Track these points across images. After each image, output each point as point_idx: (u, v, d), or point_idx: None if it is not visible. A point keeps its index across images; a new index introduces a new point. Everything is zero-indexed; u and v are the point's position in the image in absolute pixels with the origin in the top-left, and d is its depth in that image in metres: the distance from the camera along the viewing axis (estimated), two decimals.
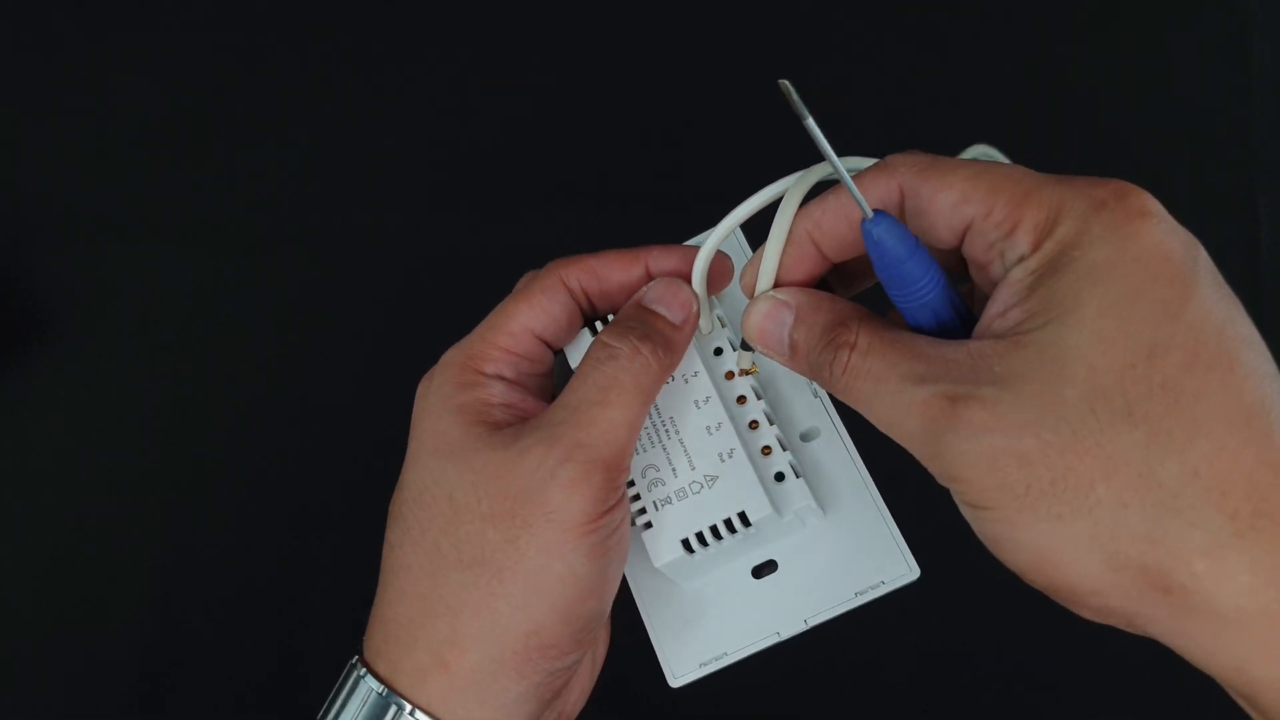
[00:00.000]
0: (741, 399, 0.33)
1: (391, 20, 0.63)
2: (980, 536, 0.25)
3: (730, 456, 0.32)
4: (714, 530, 0.32)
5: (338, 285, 0.58)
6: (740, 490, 0.32)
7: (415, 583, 0.31)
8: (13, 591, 0.53)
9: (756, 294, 0.30)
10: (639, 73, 0.61)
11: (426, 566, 0.30)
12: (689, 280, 0.32)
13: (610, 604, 0.31)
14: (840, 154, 0.28)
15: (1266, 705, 0.22)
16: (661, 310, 0.32)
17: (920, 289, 0.26)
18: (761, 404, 0.33)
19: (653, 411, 0.33)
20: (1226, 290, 0.24)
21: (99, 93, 0.63)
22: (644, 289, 0.33)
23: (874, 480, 0.33)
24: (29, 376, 0.57)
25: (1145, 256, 0.23)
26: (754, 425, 0.33)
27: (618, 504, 0.30)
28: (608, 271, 0.33)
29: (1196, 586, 0.21)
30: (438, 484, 0.31)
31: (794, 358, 0.29)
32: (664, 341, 0.31)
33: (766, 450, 0.33)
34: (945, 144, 0.58)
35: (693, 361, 0.33)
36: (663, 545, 0.32)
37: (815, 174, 0.31)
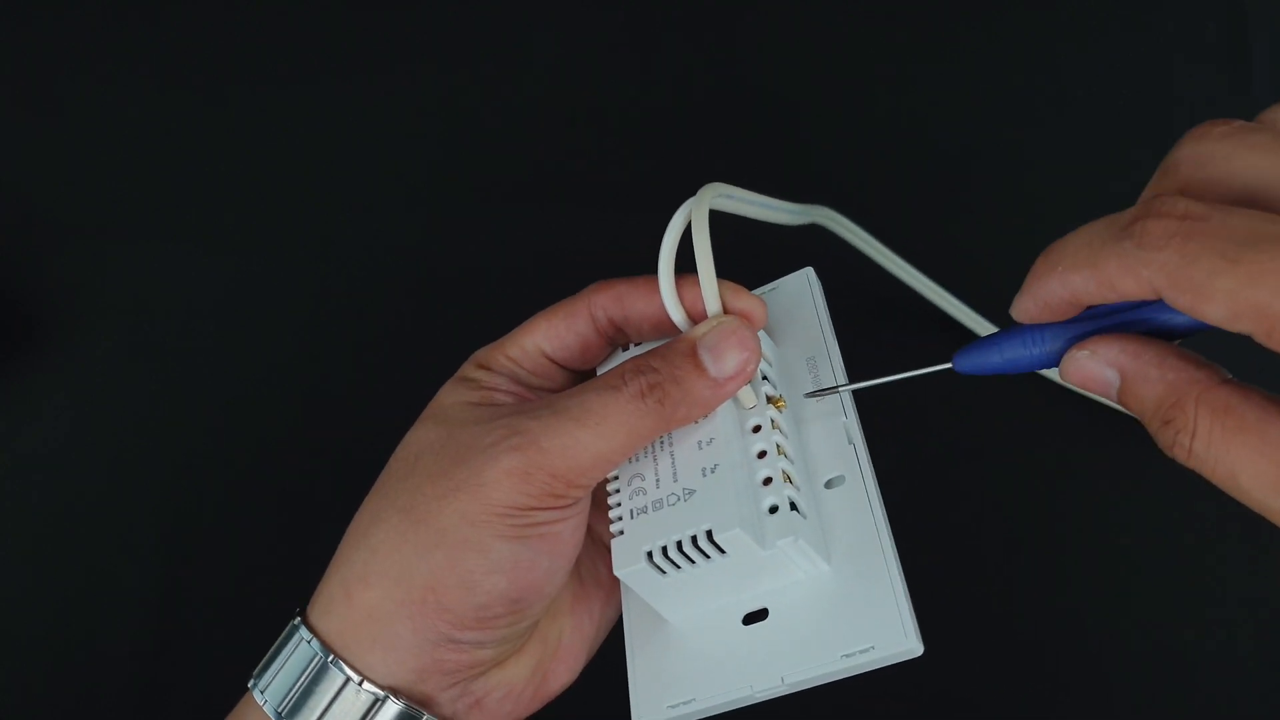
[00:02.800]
0: (757, 427, 0.31)
1: (391, 20, 0.63)
2: None
3: (713, 472, 0.30)
4: (680, 547, 0.29)
5: (338, 285, 0.58)
6: (712, 507, 0.29)
7: (358, 523, 0.32)
8: (12, 591, 0.54)
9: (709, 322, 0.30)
10: (641, 74, 0.62)
11: (371, 509, 0.32)
12: (755, 323, 0.31)
13: (533, 600, 0.30)
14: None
15: None
16: (706, 359, 0.30)
17: (1033, 359, 0.27)
18: (776, 435, 0.31)
19: None
20: None
21: (99, 93, 0.63)
22: (703, 326, 0.31)
23: (896, 545, 0.30)
24: (29, 376, 0.57)
25: None
26: (762, 455, 0.31)
27: (559, 509, 0.30)
28: (634, 300, 0.32)
29: None
30: (416, 443, 0.32)
31: (1127, 409, 0.26)
32: (682, 396, 0.30)
33: (767, 480, 0.30)
34: (945, 143, 0.58)
35: None
36: (626, 554, 0.30)
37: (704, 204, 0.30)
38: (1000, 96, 0.59)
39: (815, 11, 0.61)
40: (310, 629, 0.31)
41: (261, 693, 0.31)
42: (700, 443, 0.31)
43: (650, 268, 0.32)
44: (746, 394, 0.32)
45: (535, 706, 0.33)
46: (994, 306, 0.51)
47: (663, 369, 0.30)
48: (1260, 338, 0.21)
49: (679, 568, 0.30)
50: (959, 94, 0.59)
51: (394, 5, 0.64)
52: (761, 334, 0.32)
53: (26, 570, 0.54)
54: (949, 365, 0.28)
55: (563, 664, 0.34)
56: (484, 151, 0.61)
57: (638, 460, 0.32)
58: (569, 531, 0.31)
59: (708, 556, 0.29)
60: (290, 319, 0.58)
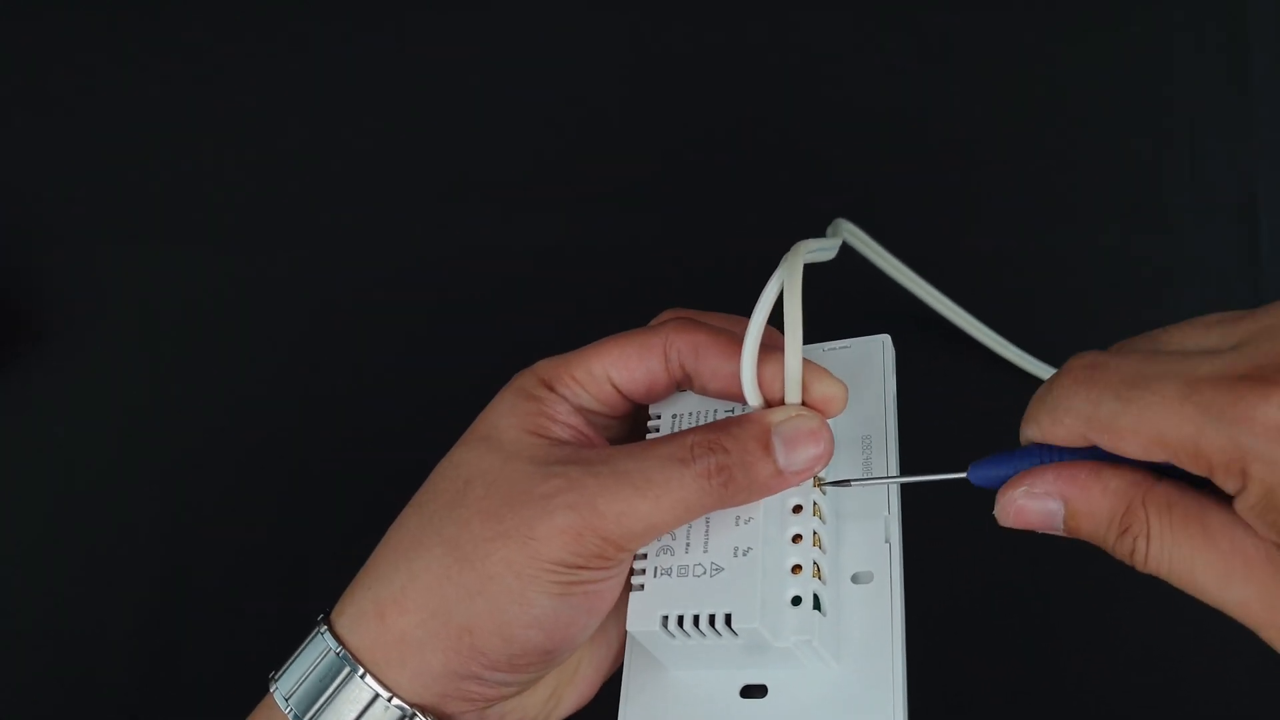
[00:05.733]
0: (798, 508, 0.31)
1: (391, 19, 0.63)
2: None
3: (744, 555, 0.30)
4: (695, 621, 0.30)
5: (337, 284, 0.58)
6: (737, 592, 0.29)
7: (398, 541, 0.32)
8: (12, 590, 0.53)
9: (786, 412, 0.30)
10: (647, 75, 0.62)
11: (414, 531, 0.31)
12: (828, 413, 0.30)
13: (565, 651, 0.31)
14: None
15: None
16: (779, 450, 0.30)
17: (1055, 457, 0.26)
18: (815, 521, 0.31)
19: None
20: None
21: (99, 92, 0.63)
22: (780, 413, 0.30)
23: (906, 650, 0.30)
24: (28, 376, 0.57)
25: None
26: (797, 539, 0.30)
27: (605, 569, 0.30)
28: (708, 356, 0.32)
29: None
30: (466, 465, 0.32)
31: (1078, 535, 0.27)
32: (747, 483, 0.30)
33: (797, 569, 0.30)
34: (945, 144, 0.58)
35: None
36: (642, 612, 0.31)
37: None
38: (999, 97, 0.59)
39: (815, 13, 0.61)
40: (338, 639, 0.31)
41: (285, 699, 0.31)
42: (738, 519, 0.31)
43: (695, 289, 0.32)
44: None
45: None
46: (993, 311, 0.51)
47: (734, 452, 0.30)
48: (1179, 465, 0.23)
49: (689, 637, 0.30)
50: (955, 94, 0.59)
51: (394, 5, 0.63)
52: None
53: (27, 569, 0.54)
54: (964, 475, 0.28)
55: (575, 690, 0.34)
56: (485, 152, 0.60)
57: None
58: (609, 591, 0.31)
59: (719, 634, 0.30)
60: (290, 319, 0.58)
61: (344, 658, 0.31)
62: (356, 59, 0.63)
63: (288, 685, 0.32)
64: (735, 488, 0.30)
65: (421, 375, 0.55)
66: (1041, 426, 0.26)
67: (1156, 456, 0.24)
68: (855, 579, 0.31)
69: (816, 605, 0.30)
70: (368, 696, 0.30)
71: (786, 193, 0.57)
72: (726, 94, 0.60)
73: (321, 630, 0.32)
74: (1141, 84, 0.58)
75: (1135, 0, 0.60)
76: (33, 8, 0.64)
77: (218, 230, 0.60)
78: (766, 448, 0.30)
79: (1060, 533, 0.27)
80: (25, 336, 0.58)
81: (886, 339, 0.34)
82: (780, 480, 0.30)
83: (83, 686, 0.51)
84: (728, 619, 0.29)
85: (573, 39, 0.62)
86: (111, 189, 0.61)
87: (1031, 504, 0.26)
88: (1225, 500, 0.24)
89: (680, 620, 0.30)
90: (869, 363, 0.34)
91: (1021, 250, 0.55)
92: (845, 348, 0.35)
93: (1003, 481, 0.27)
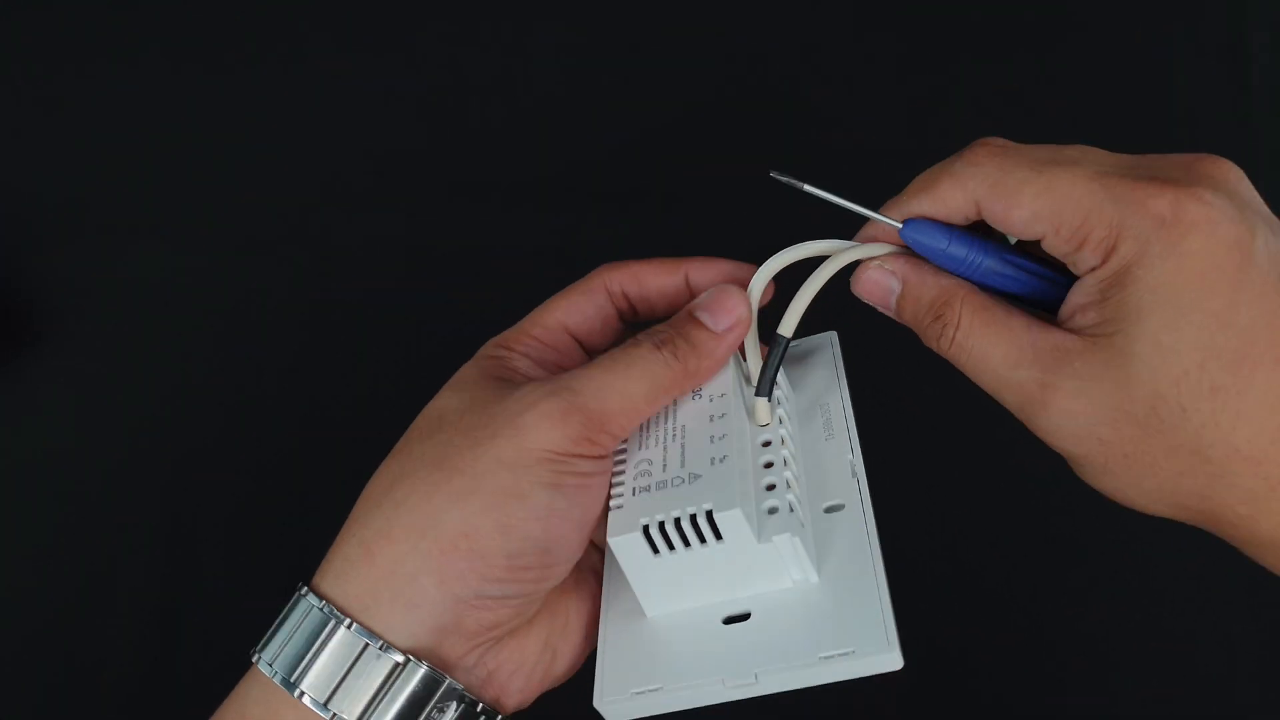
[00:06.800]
0: (767, 442, 0.32)
1: (391, 18, 0.63)
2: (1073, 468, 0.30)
3: (721, 462, 0.31)
4: (678, 524, 0.30)
5: (337, 284, 0.58)
6: (717, 489, 0.30)
7: (377, 485, 0.32)
8: (12, 590, 0.53)
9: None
10: (647, 75, 0.62)
11: (394, 470, 0.31)
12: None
13: (560, 552, 0.30)
14: (842, 186, 0.30)
15: None
16: (704, 317, 0.33)
17: (971, 265, 0.31)
18: (785, 450, 0.32)
19: (667, 419, 0.33)
20: (1275, 278, 0.27)
21: (98, 93, 0.63)
22: (700, 298, 0.34)
23: (888, 570, 0.30)
24: (29, 376, 0.57)
25: (1198, 271, 0.27)
26: (769, 465, 0.32)
27: (593, 458, 0.31)
28: (647, 276, 0.35)
29: (1241, 522, 0.28)
30: (437, 408, 0.33)
31: (900, 319, 0.32)
32: (692, 348, 0.32)
33: (771, 487, 0.31)
34: (945, 144, 0.58)
35: (724, 384, 0.33)
36: (622, 522, 0.30)
37: (861, 251, 0.33)
38: (998, 97, 0.59)
39: (816, 15, 0.61)
40: (322, 596, 0.30)
41: (269, 664, 0.30)
42: (713, 437, 0.31)
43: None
44: (762, 410, 0.33)
45: (543, 687, 0.33)
46: None
47: (670, 329, 0.33)
48: (1049, 239, 0.29)
49: (672, 548, 0.30)
50: (956, 94, 0.59)
51: (395, 7, 0.63)
52: (781, 378, 0.35)
53: (27, 569, 0.54)
54: (900, 225, 0.31)
55: (569, 643, 0.33)
56: (486, 151, 0.60)
57: (648, 447, 0.32)
58: (597, 487, 0.31)
59: (703, 541, 0.30)
60: (291, 319, 0.58)
61: (326, 610, 0.29)
62: (357, 60, 0.63)
63: (272, 652, 0.30)
64: (684, 354, 0.32)
65: (422, 375, 0.55)
66: (939, 189, 0.30)
67: (1035, 231, 0.29)
68: (829, 510, 0.32)
69: (794, 514, 0.30)
70: (359, 647, 0.29)
71: (786, 193, 0.57)
72: (726, 94, 0.60)
73: (303, 593, 0.30)
74: (1142, 84, 0.58)
75: (1135, 0, 0.60)
76: (33, 8, 0.64)
77: (218, 230, 0.60)
78: (695, 320, 0.33)
79: (890, 312, 0.32)
80: (26, 336, 0.58)
81: (834, 335, 0.38)
82: (719, 340, 0.33)
83: (83, 686, 0.51)
84: (709, 516, 0.29)
85: (575, 38, 0.62)
86: (112, 189, 0.61)
87: (879, 277, 0.32)
88: (1020, 312, 0.30)
89: (662, 526, 0.30)
90: (822, 352, 0.38)
91: None
92: (798, 345, 0.38)
93: (927, 247, 0.31)
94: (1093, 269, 0.28)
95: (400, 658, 0.29)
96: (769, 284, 0.33)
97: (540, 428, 0.30)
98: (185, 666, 0.51)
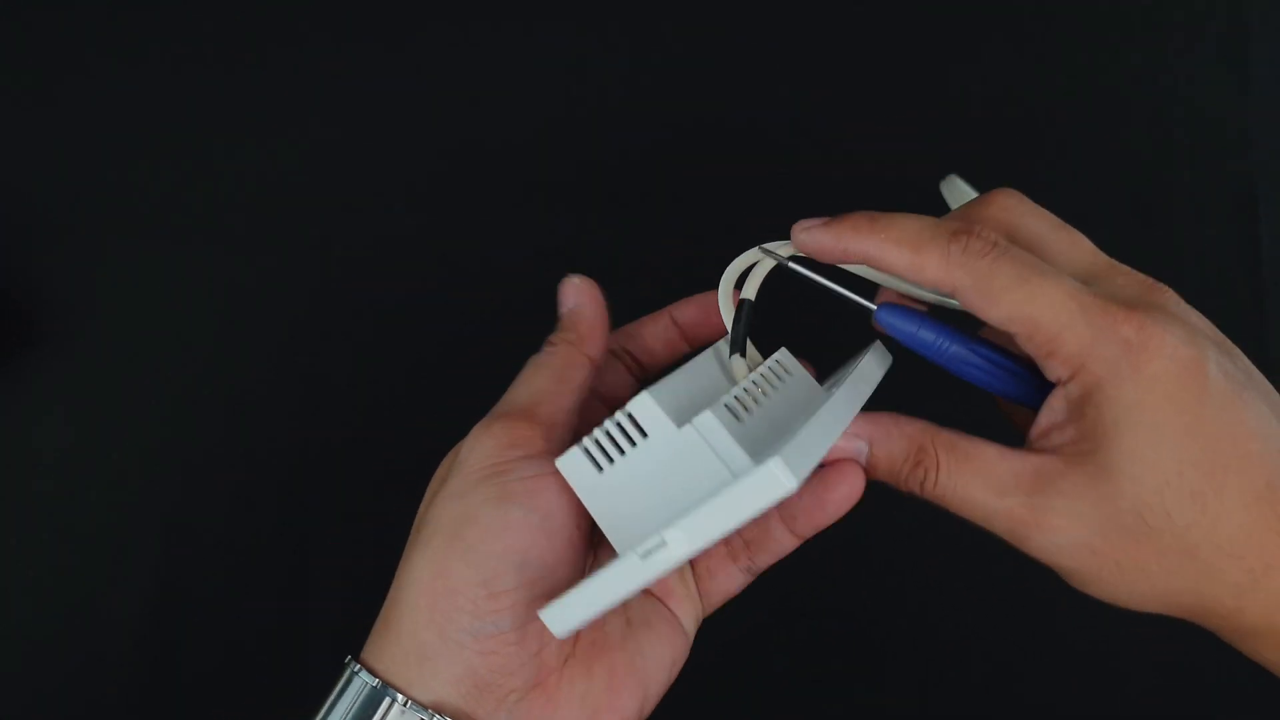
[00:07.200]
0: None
1: (394, 18, 0.63)
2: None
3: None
4: (610, 436, 0.30)
5: (338, 283, 0.58)
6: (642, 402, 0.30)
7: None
8: (12, 590, 0.54)
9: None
10: (648, 76, 0.62)
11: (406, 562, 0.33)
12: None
13: (536, 564, 0.30)
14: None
15: None
16: (560, 309, 0.36)
17: (938, 350, 0.33)
18: (747, 383, 0.32)
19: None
20: (1236, 387, 0.30)
21: (98, 93, 0.63)
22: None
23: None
24: (29, 376, 0.57)
25: (1165, 391, 0.29)
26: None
27: (533, 458, 0.31)
28: (639, 329, 0.38)
29: (1229, 614, 0.30)
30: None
31: (873, 475, 0.33)
32: (568, 334, 0.35)
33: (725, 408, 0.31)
34: (943, 144, 0.58)
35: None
36: (568, 455, 0.31)
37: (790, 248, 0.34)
38: (999, 97, 0.59)
39: (818, 16, 0.61)
40: (368, 668, 0.31)
41: None
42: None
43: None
44: (739, 367, 0.34)
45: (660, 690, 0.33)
46: None
47: (555, 330, 0.35)
48: (1021, 340, 0.31)
49: (611, 461, 0.30)
50: (956, 94, 0.59)
51: (395, 7, 0.63)
52: (797, 364, 0.36)
53: (26, 569, 0.54)
54: (874, 309, 0.33)
55: (616, 706, 0.32)
56: (486, 152, 0.60)
57: None
58: (552, 486, 0.31)
59: (633, 443, 0.30)
60: (291, 319, 0.58)
61: (364, 676, 0.31)
62: (357, 60, 0.63)
63: None
64: (558, 337, 0.35)
65: (422, 375, 0.55)
66: (923, 258, 0.31)
67: (1009, 330, 0.30)
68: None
69: (729, 411, 0.30)
70: (387, 706, 0.30)
71: (787, 192, 0.58)
72: (726, 94, 0.60)
73: (349, 664, 0.32)
74: (1141, 84, 0.58)
75: (1136, 1, 0.60)
76: (33, 8, 0.64)
77: (218, 230, 0.60)
78: (561, 315, 0.36)
79: (863, 467, 0.33)
80: (26, 336, 0.58)
81: (885, 351, 0.38)
82: (573, 314, 0.35)
83: (83, 686, 0.51)
84: (630, 417, 0.30)
85: (578, 42, 0.62)
86: (112, 189, 0.61)
87: (844, 444, 0.33)
88: (988, 441, 0.31)
89: (598, 442, 0.31)
90: (874, 364, 0.37)
91: None
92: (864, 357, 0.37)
93: (898, 330, 0.33)
94: (1061, 382, 0.30)
95: (424, 714, 0.30)
96: (733, 290, 0.35)
97: (474, 449, 0.32)
98: (185, 667, 0.51)
